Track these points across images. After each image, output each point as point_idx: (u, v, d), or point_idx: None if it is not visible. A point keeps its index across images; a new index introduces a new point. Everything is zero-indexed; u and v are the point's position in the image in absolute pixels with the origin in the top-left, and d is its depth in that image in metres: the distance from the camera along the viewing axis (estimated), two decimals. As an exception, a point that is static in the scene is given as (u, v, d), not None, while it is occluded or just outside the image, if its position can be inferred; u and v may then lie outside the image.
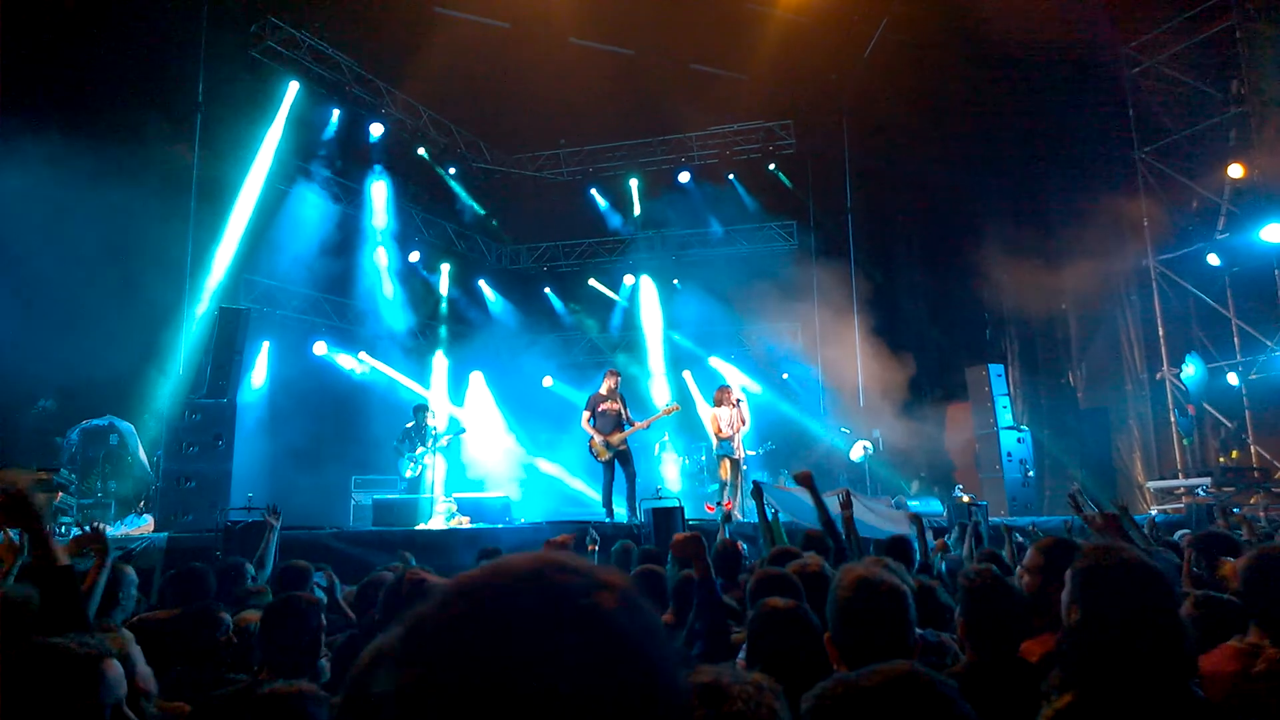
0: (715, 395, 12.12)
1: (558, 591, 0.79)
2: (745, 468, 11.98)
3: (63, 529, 8.67)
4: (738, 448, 11.77)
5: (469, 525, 11.41)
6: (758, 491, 6.55)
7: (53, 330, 10.00)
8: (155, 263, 11.83)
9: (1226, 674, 2.39)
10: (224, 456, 9.91)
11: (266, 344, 14.30)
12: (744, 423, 11.84)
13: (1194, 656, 2.06)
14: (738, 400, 11.88)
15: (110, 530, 9.18)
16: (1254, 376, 13.34)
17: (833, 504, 5.58)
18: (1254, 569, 2.66)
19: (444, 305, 17.78)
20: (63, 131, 10.86)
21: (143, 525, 9.67)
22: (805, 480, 5.57)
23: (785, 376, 17.57)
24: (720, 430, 11.78)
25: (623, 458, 11.53)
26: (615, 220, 18.79)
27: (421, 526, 10.77)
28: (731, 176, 18.28)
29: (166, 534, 8.34)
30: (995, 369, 13.98)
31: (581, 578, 0.81)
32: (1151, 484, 13.99)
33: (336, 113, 15.74)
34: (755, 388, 17.28)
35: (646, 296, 18.49)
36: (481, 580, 0.80)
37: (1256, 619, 2.58)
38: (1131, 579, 1.99)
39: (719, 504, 11.18)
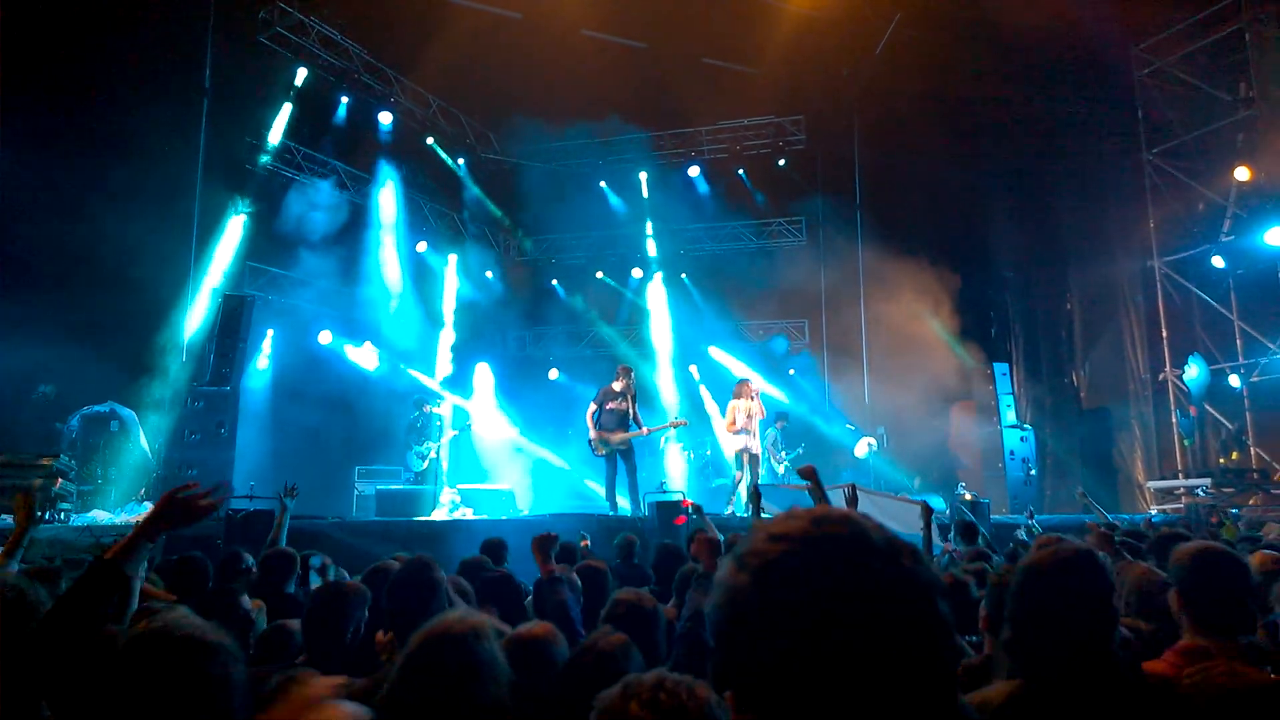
0: (735, 389, 12.08)
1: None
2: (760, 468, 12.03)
3: (62, 515, 8.70)
4: (754, 441, 11.74)
5: (472, 516, 11.45)
6: (756, 495, 6.59)
7: (54, 315, 10.01)
8: (159, 248, 11.84)
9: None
10: (226, 444, 9.96)
11: (271, 332, 14.31)
12: (762, 413, 11.88)
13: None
14: (756, 393, 11.89)
15: (110, 518, 9.22)
16: (1256, 379, 13.33)
17: (837, 498, 5.58)
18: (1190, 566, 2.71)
19: (451, 296, 17.73)
20: (68, 115, 10.89)
21: (143, 513, 9.68)
22: (809, 474, 5.56)
23: (792, 372, 17.56)
24: (734, 423, 11.77)
25: (624, 452, 11.55)
26: (624, 213, 18.75)
27: (424, 518, 10.78)
28: (741, 171, 18.23)
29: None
30: (1000, 368, 13.99)
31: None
32: (1152, 484, 13.99)
33: (345, 100, 15.70)
34: (762, 383, 17.26)
35: (654, 290, 18.48)
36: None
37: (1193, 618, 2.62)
38: (1071, 568, 2.01)
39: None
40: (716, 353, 17.92)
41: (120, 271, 10.72)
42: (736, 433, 11.78)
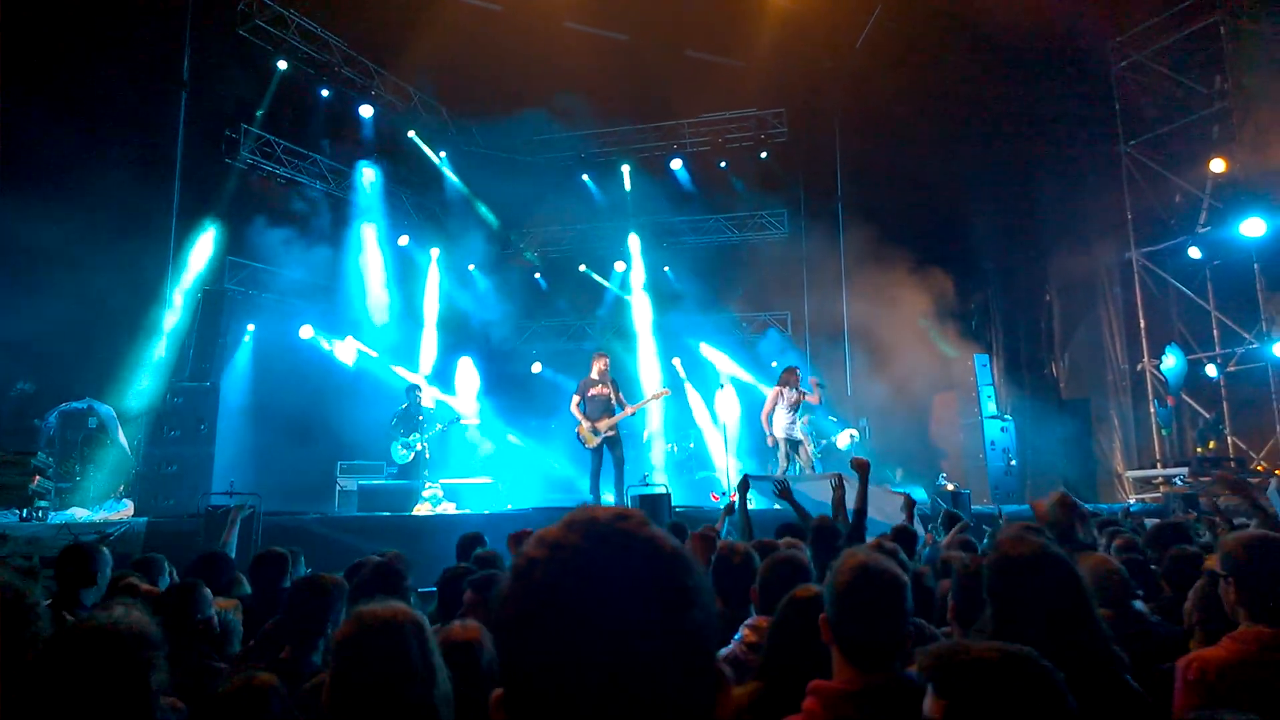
0: (782, 376, 12.09)
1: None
2: (813, 449, 12.08)
3: (40, 513, 8.65)
4: (795, 427, 11.76)
5: (455, 511, 11.44)
6: (744, 484, 6.59)
7: (32, 312, 9.92)
8: (138, 244, 11.76)
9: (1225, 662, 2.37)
10: (206, 441, 9.90)
11: (251, 327, 14.22)
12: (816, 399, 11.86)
13: (1110, 643, 2.10)
14: (816, 384, 11.90)
15: (88, 515, 9.17)
16: (1232, 368, 13.49)
17: (823, 488, 5.60)
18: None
19: (433, 289, 17.67)
20: (44, 110, 10.77)
21: (122, 510, 9.65)
22: (862, 468, 5.54)
23: (774, 364, 17.59)
24: (767, 411, 11.82)
25: (611, 444, 11.55)
26: (607, 206, 18.73)
27: (407, 513, 10.75)
28: (724, 164, 18.24)
29: (146, 519, 8.32)
30: (981, 359, 14.09)
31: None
32: (1131, 473, 14.13)
33: (325, 93, 15.60)
34: (744, 375, 17.34)
35: (637, 283, 18.48)
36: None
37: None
38: (1039, 567, 2.03)
39: (723, 493, 11.17)
40: (700, 345, 17.95)
41: (98, 267, 10.63)
42: (771, 420, 11.81)
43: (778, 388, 11.97)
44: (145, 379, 11.64)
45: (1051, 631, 1.95)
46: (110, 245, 10.75)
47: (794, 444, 11.78)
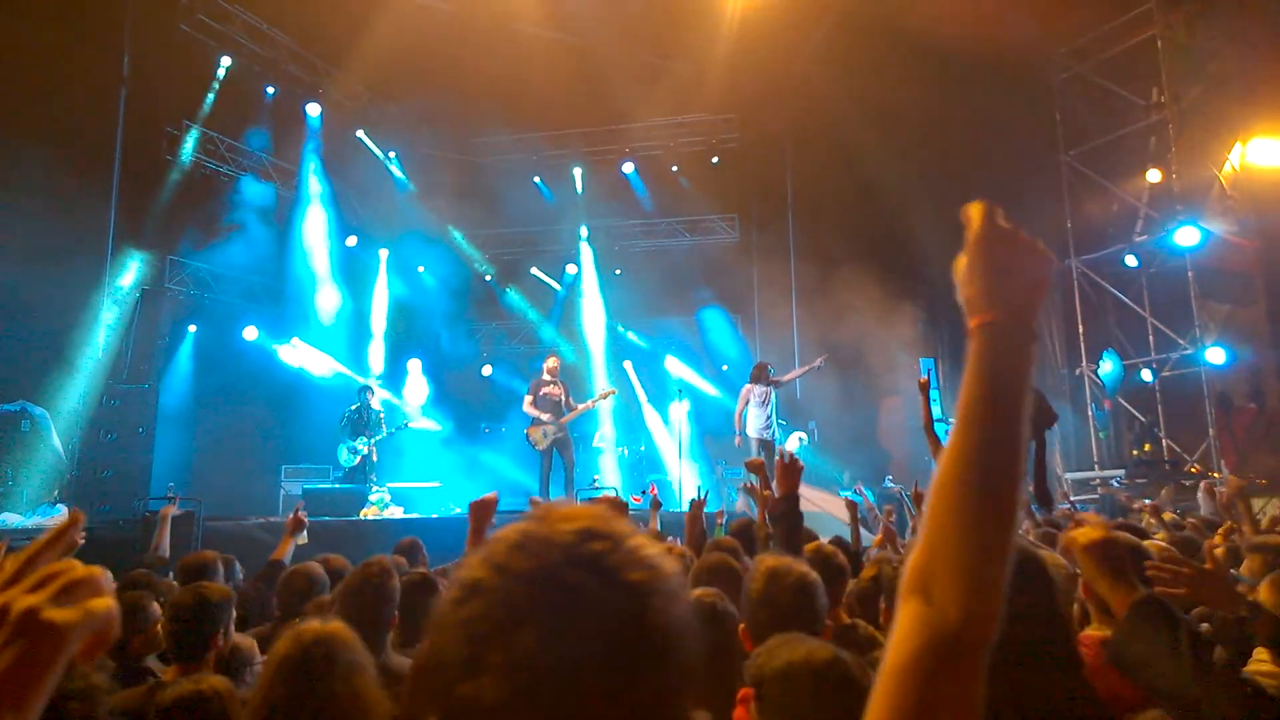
0: (752, 373, 12.01)
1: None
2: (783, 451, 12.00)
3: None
4: (767, 428, 11.69)
5: (402, 515, 11.32)
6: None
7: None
8: (74, 243, 11.45)
9: None
10: (144, 445, 9.68)
11: (193, 328, 13.92)
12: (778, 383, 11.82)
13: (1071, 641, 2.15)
14: (776, 380, 11.83)
15: (21, 520, 8.91)
16: (1167, 373, 13.85)
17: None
18: None
19: (382, 291, 17.47)
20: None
21: (56, 516, 9.37)
22: (756, 468, 5.61)
23: (725, 368, 17.72)
24: (740, 410, 11.76)
25: (561, 446, 11.55)
26: (558, 208, 18.67)
27: (353, 518, 10.61)
28: (675, 169, 18.30)
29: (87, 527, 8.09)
30: (927, 363, 14.33)
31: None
32: (1069, 475, 14.45)
33: (271, 91, 15.33)
34: (695, 379, 17.41)
35: (588, 286, 18.47)
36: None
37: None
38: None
39: (644, 491, 11.11)
40: (651, 348, 18.00)
41: (32, 266, 10.33)
42: (743, 419, 11.75)
43: (749, 385, 11.97)
44: (81, 380, 11.31)
45: (1017, 628, 1.97)
46: (44, 243, 10.46)
47: (766, 445, 11.72)
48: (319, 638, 2.13)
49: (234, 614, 3.43)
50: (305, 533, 5.61)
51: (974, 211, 1.20)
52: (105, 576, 0.94)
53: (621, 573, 0.83)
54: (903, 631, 0.97)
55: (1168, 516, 6.89)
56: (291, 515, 5.47)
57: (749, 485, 8.58)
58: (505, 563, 0.84)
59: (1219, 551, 2.66)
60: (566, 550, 0.84)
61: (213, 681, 2.39)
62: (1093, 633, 2.64)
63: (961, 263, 1.18)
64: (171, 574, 5.26)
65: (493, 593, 0.82)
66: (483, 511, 3.53)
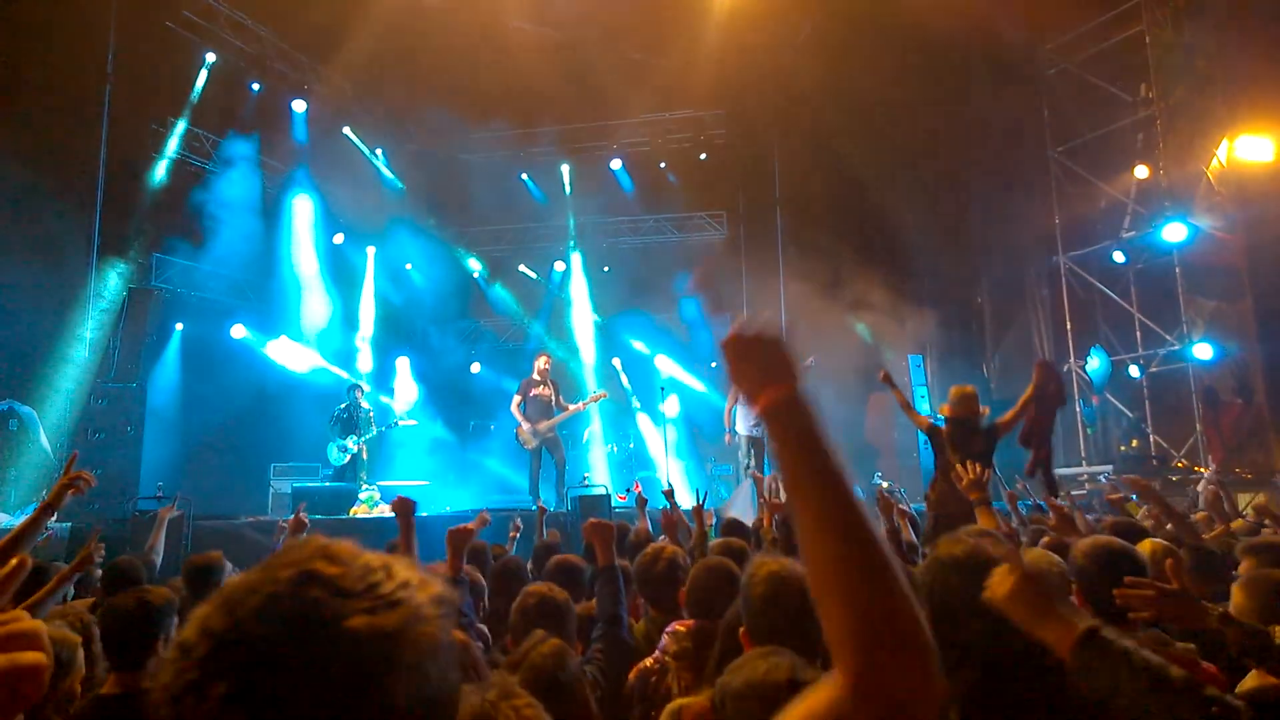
0: None
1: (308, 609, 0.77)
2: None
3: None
4: (757, 425, 11.51)
5: (391, 514, 11.26)
6: (668, 492, 6.65)
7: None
8: (61, 241, 11.36)
9: None
10: (133, 443, 9.59)
11: (180, 326, 13.82)
12: None
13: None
14: None
15: (9, 520, 8.83)
16: (1154, 369, 13.94)
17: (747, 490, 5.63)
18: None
19: (370, 288, 17.38)
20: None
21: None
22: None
23: (714, 365, 17.70)
24: (730, 407, 11.70)
25: (551, 445, 11.52)
26: (546, 205, 18.62)
27: (343, 516, 10.57)
28: (663, 165, 18.27)
29: (69, 524, 8.02)
30: (915, 359, 14.35)
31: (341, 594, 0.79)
32: (1057, 470, 14.48)
33: (256, 88, 15.22)
34: (685, 376, 17.41)
35: (577, 283, 18.43)
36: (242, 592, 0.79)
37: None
38: (974, 567, 2.05)
39: (628, 490, 11.02)
40: (639, 345, 17.97)
41: (17, 264, 10.24)
42: (732, 416, 11.68)
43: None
44: (68, 380, 11.21)
45: (989, 630, 1.96)
46: (30, 242, 10.36)
47: (755, 443, 11.63)
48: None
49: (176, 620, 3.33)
50: (306, 533, 5.55)
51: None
52: (44, 632, 0.92)
53: (317, 606, 0.78)
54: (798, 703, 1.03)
55: (1136, 509, 6.92)
56: (294, 516, 5.42)
57: (755, 474, 8.59)
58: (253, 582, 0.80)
59: (1169, 564, 2.64)
60: (291, 581, 0.79)
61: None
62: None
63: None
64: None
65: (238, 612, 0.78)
66: (460, 538, 3.47)
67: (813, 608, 2.30)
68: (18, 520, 8.87)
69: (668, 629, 3.20)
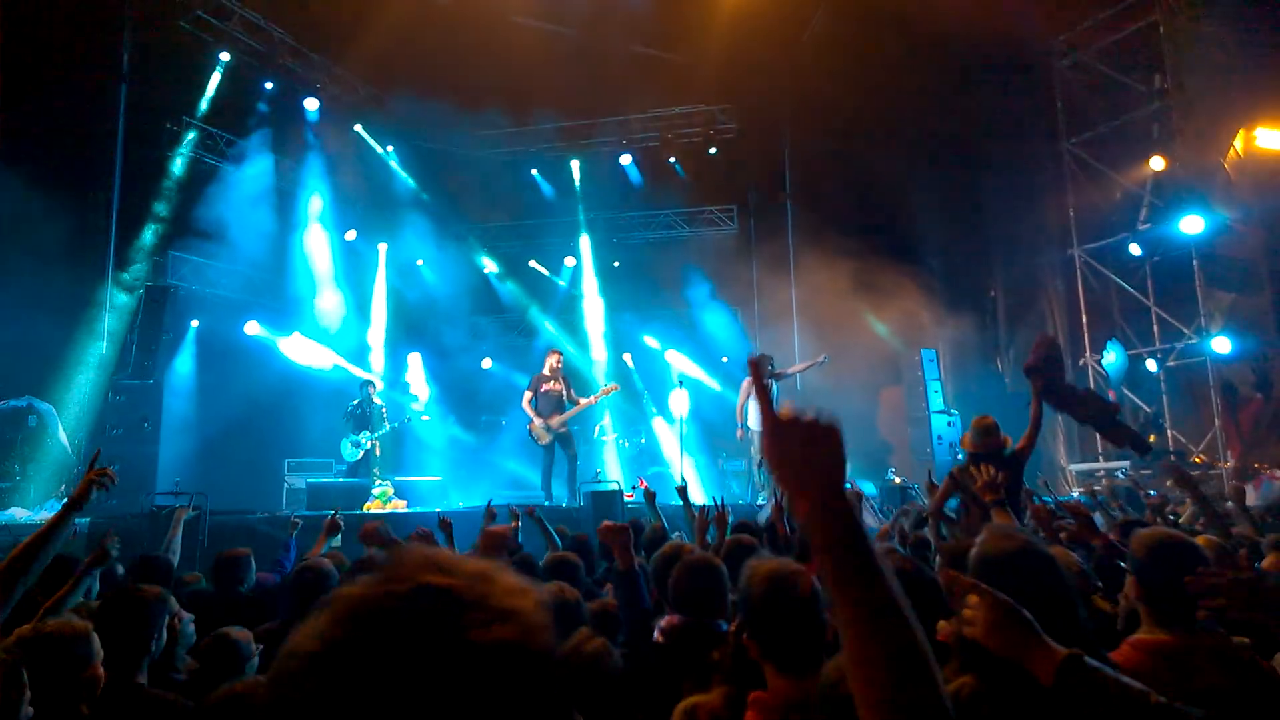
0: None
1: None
2: None
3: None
4: None
5: (405, 509, 11.31)
6: (681, 490, 6.64)
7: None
8: (77, 239, 11.45)
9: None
10: (150, 439, 9.69)
11: (195, 323, 13.91)
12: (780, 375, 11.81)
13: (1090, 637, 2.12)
14: (778, 374, 11.79)
15: (29, 515, 8.91)
16: (1172, 364, 13.83)
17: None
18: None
19: (381, 285, 17.44)
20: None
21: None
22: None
23: (725, 360, 17.69)
24: (749, 399, 11.70)
25: (563, 440, 11.53)
26: (556, 201, 18.65)
27: (358, 512, 10.60)
28: (672, 160, 18.25)
29: (88, 520, 8.08)
30: (928, 354, 14.29)
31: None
32: (1073, 466, 14.44)
33: (269, 86, 15.30)
34: (695, 371, 17.39)
35: (587, 279, 18.44)
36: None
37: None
38: (1023, 563, 2.04)
39: (635, 486, 10.93)
40: (650, 339, 17.98)
41: (37, 262, 10.32)
42: (744, 411, 11.70)
43: (750, 378, 11.88)
44: (86, 376, 11.30)
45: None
46: (49, 240, 10.45)
47: None
48: None
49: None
50: (340, 537, 5.63)
51: (758, 392, 1.29)
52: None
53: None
54: None
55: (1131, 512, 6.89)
56: (329, 518, 5.51)
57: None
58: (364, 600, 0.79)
59: (1242, 554, 2.55)
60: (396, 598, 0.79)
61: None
62: (1144, 637, 2.55)
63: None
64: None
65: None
66: (496, 542, 3.45)
67: (812, 607, 2.29)
68: (37, 515, 8.97)
69: (660, 623, 3.17)
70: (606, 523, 3.77)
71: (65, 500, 3.25)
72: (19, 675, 2.16)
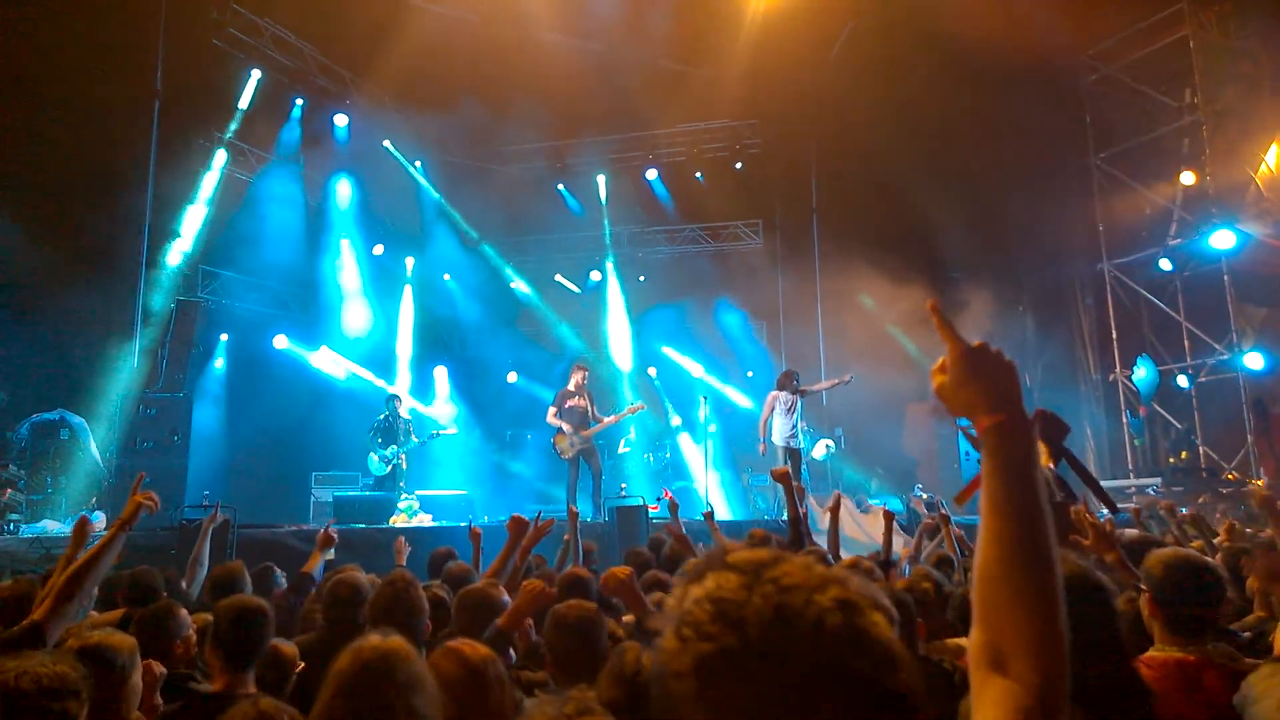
0: (779, 380, 11.93)
1: None
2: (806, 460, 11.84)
3: (11, 526, 8.49)
4: (796, 436, 11.59)
5: (431, 523, 11.35)
6: (708, 515, 6.63)
7: (2, 322, 9.75)
8: (111, 254, 11.61)
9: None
10: (180, 452, 9.77)
11: (225, 337, 14.08)
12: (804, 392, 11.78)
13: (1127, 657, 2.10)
14: (803, 390, 11.76)
15: (60, 527, 9.02)
16: (1203, 379, 13.67)
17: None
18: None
19: (409, 299, 17.55)
20: (13, 119, 10.61)
21: (94, 523, 9.44)
22: (782, 477, 5.60)
23: (750, 374, 17.65)
24: (765, 417, 11.67)
25: (588, 455, 11.53)
26: (582, 216, 18.72)
27: (384, 525, 10.65)
28: (698, 175, 18.27)
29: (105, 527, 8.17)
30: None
31: None
32: (1104, 484, 14.24)
33: (299, 102, 15.49)
34: (720, 385, 17.37)
35: (612, 293, 18.48)
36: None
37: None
38: (1076, 593, 2.02)
39: (659, 499, 10.81)
40: (674, 354, 17.97)
41: (69, 276, 10.48)
42: (768, 426, 11.65)
43: (774, 392, 11.84)
44: (117, 389, 11.42)
45: (1080, 659, 1.93)
46: (81, 253, 10.61)
47: (792, 453, 11.56)
48: (379, 653, 2.12)
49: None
50: (333, 550, 5.62)
51: (940, 326, 1.35)
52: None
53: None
54: (989, 705, 1.08)
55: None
56: (323, 531, 5.50)
57: (800, 486, 8.47)
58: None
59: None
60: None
61: (264, 705, 2.39)
62: (1156, 654, 2.54)
63: (941, 374, 1.32)
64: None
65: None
66: (526, 533, 3.49)
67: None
68: (69, 527, 9.06)
69: None
70: (610, 578, 3.52)
71: (97, 512, 3.36)
72: (79, 690, 2.19)
